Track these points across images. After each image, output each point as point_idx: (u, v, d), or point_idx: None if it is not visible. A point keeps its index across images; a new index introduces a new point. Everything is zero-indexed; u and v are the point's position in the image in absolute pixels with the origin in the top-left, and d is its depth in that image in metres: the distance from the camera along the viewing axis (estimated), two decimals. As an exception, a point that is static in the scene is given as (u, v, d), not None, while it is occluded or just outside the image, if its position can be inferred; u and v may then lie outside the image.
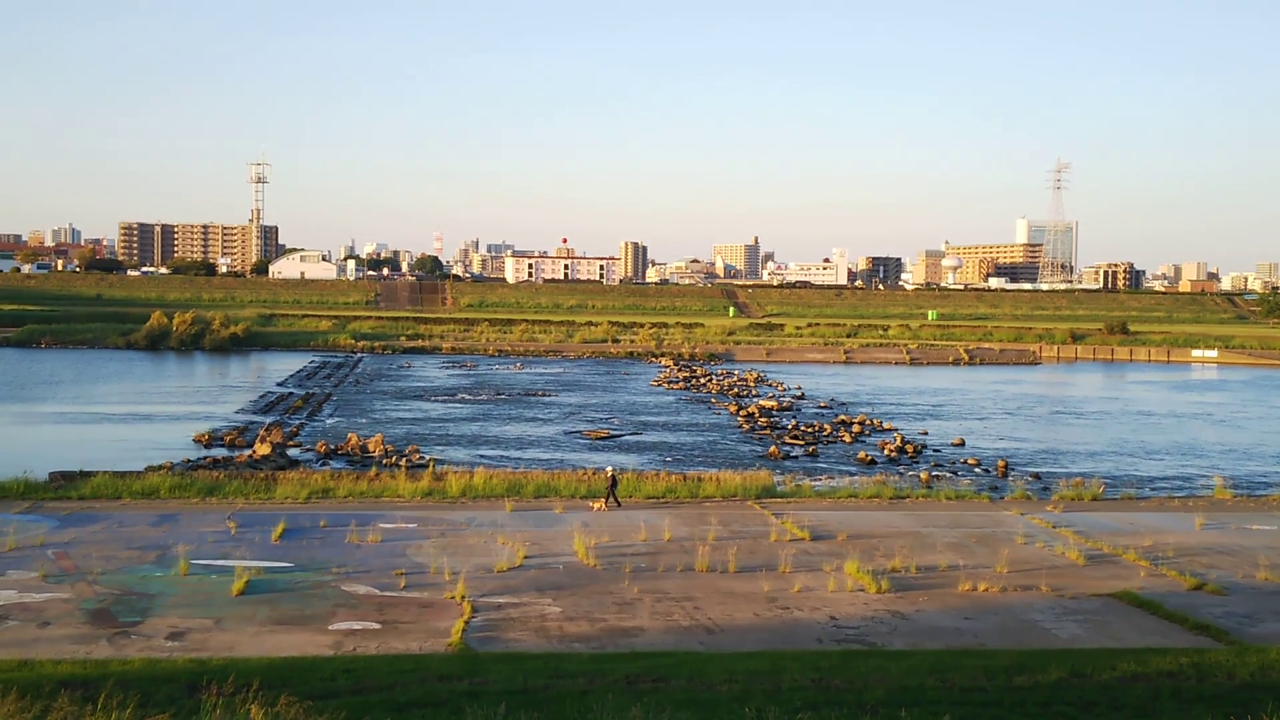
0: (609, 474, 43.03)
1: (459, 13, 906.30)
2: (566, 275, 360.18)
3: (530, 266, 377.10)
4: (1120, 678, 23.19)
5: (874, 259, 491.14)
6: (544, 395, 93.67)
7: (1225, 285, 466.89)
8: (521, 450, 63.95)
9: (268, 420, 72.17)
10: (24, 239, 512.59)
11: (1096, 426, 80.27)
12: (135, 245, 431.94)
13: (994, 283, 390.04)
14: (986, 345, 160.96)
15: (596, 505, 41.31)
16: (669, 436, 70.60)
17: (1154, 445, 71.40)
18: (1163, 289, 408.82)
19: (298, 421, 72.84)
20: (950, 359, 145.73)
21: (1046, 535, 38.27)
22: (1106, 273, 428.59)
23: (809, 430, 72.64)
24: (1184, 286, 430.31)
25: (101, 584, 29.66)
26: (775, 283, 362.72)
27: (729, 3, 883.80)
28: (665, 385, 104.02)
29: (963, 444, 69.41)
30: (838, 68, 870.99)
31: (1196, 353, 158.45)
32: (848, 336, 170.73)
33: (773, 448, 64.32)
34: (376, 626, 26.54)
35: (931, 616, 28.21)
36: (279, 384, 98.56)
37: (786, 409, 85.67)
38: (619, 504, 41.53)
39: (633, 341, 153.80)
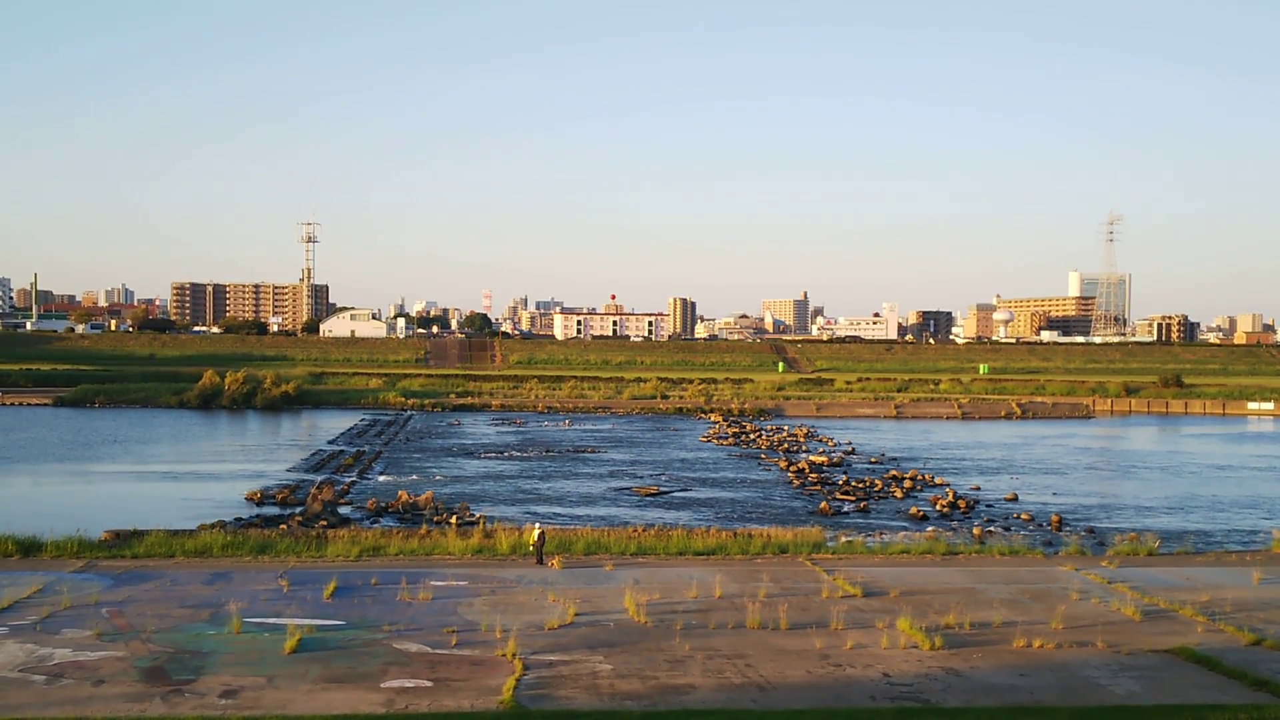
0: (538, 530, 43.14)
1: (504, 76, 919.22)
2: (615, 331, 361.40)
3: (579, 323, 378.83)
4: (1180, 736, 22.76)
5: (924, 313, 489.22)
6: (593, 452, 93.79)
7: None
8: (571, 507, 63.99)
9: (319, 478, 72.76)
10: (78, 299, 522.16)
11: (1151, 480, 79.19)
12: (188, 305, 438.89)
13: (1046, 336, 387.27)
14: (1039, 399, 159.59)
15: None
16: (719, 492, 70.41)
17: (1211, 499, 70.30)
18: (1218, 341, 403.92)
19: (349, 479, 73.35)
20: (1002, 413, 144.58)
21: (1102, 591, 37.69)
22: (1160, 325, 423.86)
23: (860, 486, 72.23)
24: (1239, 338, 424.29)
25: (155, 642, 29.88)
26: (825, 337, 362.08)
27: (772, 55, 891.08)
28: (715, 441, 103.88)
29: (1016, 499, 68.70)
30: (885, 122, 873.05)
31: (1253, 405, 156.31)
32: (898, 391, 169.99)
33: (823, 503, 63.96)
34: (428, 684, 26.54)
35: (986, 674, 27.84)
36: (330, 442, 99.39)
37: (837, 464, 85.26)
38: (540, 561, 41.59)
39: (682, 397, 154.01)
